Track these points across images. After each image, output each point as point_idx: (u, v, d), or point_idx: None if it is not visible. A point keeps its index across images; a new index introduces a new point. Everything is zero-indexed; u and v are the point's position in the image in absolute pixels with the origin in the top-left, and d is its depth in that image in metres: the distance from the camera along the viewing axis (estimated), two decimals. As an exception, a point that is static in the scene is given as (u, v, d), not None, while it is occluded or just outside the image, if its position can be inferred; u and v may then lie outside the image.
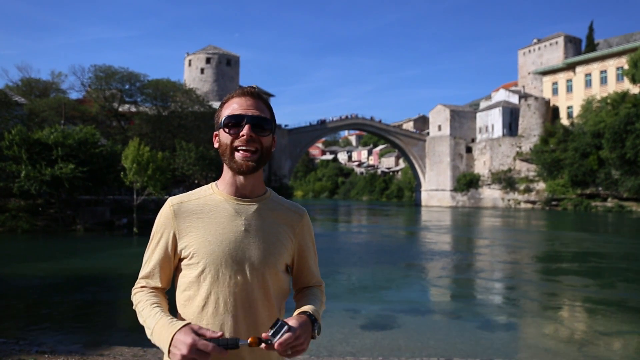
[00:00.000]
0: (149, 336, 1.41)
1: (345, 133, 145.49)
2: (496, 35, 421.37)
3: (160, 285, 1.53)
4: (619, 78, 56.86)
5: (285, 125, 65.24)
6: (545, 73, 67.10)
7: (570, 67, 63.47)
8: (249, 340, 1.31)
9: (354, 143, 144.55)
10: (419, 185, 71.99)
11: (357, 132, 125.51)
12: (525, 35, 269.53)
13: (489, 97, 77.33)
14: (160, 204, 26.57)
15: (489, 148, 65.04)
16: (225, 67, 62.68)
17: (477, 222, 38.71)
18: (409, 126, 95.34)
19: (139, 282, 1.55)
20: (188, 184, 38.44)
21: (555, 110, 64.83)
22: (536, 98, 64.79)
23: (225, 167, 1.56)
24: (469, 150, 68.03)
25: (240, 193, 1.55)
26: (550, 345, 7.56)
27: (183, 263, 1.51)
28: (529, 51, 71.26)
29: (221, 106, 1.57)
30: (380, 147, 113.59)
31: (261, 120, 1.51)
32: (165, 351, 1.31)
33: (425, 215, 47.60)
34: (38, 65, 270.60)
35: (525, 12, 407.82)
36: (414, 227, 34.33)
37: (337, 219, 41.59)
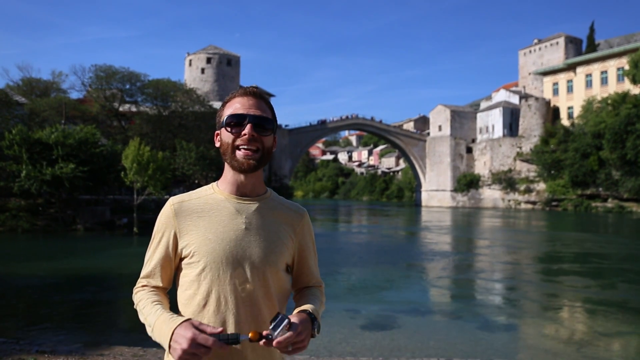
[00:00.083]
0: (149, 333, 1.41)
1: (346, 133, 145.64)
2: (497, 36, 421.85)
3: (161, 285, 1.54)
4: (620, 78, 56.85)
5: (286, 125, 65.25)
6: (545, 73, 67.06)
7: (571, 67, 63.43)
8: (249, 335, 1.30)
9: (354, 143, 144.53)
10: (419, 185, 71.97)
11: (358, 132, 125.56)
12: (525, 35, 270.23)
13: (489, 98, 77.35)
14: (160, 203, 26.61)
15: (489, 148, 65.02)
16: (225, 67, 62.67)
17: (477, 222, 38.70)
18: (409, 126, 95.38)
19: (140, 282, 1.56)
20: (188, 184, 38.42)
21: (555, 111, 64.80)
22: (537, 98, 64.75)
23: (226, 166, 1.56)
24: (469, 150, 67.99)
25: (240, 192, 1.55)
26: (550, 345, 7.55)
27: (184, 262, 1.51)
28: (530, 51, 71.22)
29: (223, 105, 1.58)
30: (381, 147, 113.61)
31: (263, 120, 1.52)
32: (166, 346, 1.31)
33: (426, 215, 47.59)
34: (39, 65, 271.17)
35: (526, 13, 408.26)
36: (414, 227, 34.32)
37: (337, 219, 41.58)
